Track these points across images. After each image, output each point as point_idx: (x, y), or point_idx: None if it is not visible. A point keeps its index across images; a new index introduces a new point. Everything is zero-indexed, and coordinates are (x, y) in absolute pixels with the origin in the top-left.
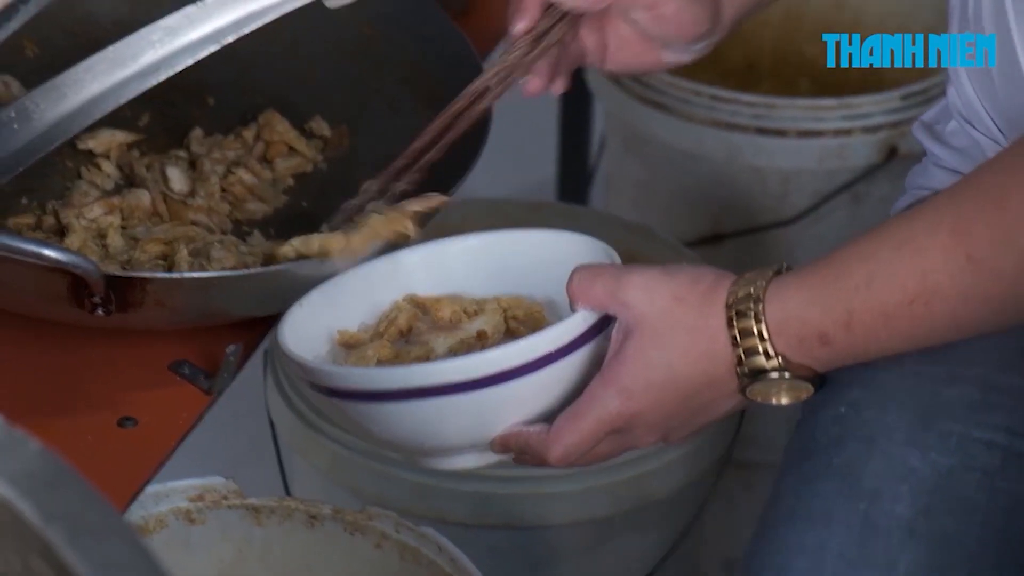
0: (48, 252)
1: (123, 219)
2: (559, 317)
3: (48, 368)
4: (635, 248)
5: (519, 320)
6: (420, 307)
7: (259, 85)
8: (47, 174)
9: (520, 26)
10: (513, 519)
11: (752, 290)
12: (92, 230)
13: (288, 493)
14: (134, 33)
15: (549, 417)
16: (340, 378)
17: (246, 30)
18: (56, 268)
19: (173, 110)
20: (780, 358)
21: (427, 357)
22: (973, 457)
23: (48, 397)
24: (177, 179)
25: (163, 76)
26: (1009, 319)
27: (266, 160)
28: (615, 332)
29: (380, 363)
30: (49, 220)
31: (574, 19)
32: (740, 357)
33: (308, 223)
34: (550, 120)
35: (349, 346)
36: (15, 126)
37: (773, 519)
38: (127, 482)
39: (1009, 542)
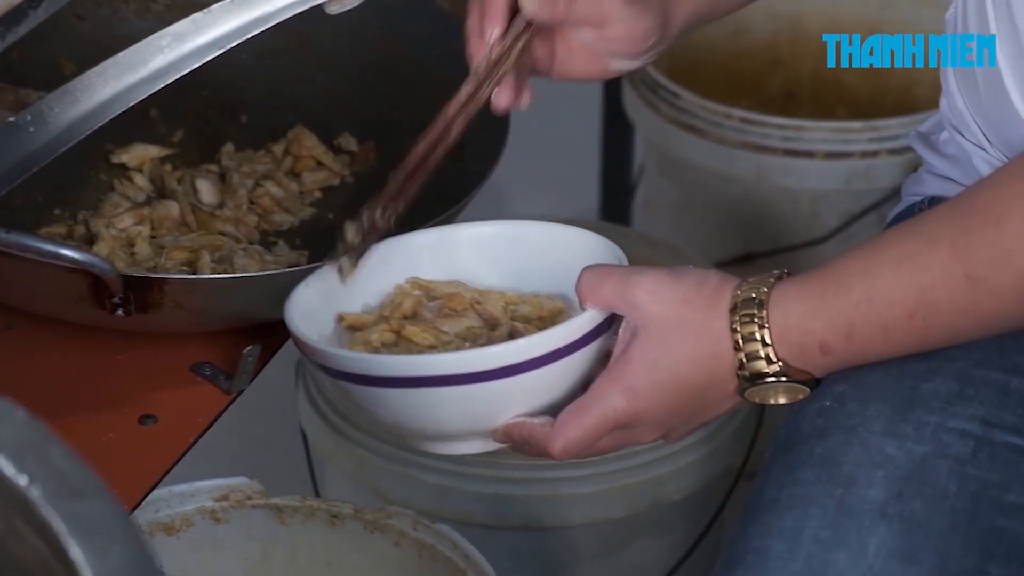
0: (65, 252)
1: (152, 229)
2: (566, 310)
3: (74, 368)
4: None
5: (524, 317)
6: (423, 290)
7: (290, 103)
8: (81, 186)
9: (495, 31)
10: (531, 520)
11: (755, 295)
12: (121, 239)
13: (318, 496)
14: (144, 40)
15: (551, 410)
16: (348, 362)
17: (250, 35)
18: (77, 269)
19: (207, 127)
20: (781, 363)
21: (434, 343)
22: (947, 445)
23: (73, 396)
24: (207, 191)
25: (171, 79)
26: (1002, 329)
27: (294, 174)
28: (621, 332)
29: (384, 347)
30: (80, 229)
31: (535, 31)
32: (742, 361)
33: (333, 234)
34: (592, 148)
35: (353, 328)
36: (31, 129)
37: (756, 505)
38: (146, 476)
39: (976, 526)
